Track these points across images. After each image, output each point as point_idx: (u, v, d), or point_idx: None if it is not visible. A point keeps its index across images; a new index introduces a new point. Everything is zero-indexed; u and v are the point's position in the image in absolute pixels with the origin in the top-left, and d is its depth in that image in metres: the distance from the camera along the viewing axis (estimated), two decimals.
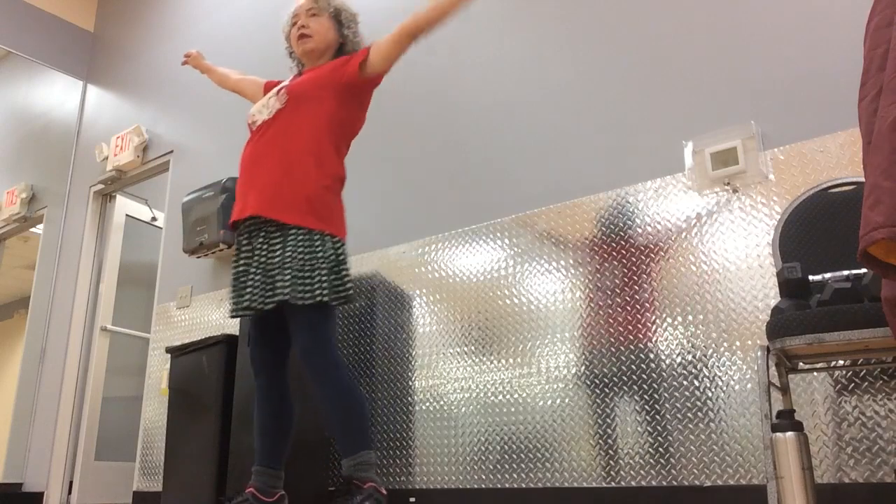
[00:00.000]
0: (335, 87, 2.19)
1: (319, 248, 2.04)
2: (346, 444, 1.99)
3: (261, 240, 2.10)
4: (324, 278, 2.01)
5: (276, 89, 2.25)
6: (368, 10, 3.75)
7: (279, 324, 2.15)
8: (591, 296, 2.60)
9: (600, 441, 2.44)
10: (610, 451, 2.41)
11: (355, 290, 3.36)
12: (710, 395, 2.27)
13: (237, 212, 2.15)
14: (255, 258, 2.09)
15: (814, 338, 1.63)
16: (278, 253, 2.05)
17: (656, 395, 2.37)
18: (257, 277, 2.06)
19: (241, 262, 2.13)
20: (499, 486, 2.63)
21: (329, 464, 3.08)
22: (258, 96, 2.47)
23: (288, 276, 2.00)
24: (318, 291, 1.99)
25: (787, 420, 1.64)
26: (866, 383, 2.03)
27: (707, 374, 2.29)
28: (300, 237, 2.04)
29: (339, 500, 1.95)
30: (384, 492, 1.97)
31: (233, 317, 2.10)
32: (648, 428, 2.36)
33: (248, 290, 2.06)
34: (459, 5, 2.10)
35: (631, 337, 2.47)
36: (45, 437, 4.71)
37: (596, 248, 2.64)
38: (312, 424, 2.95)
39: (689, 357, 2.33)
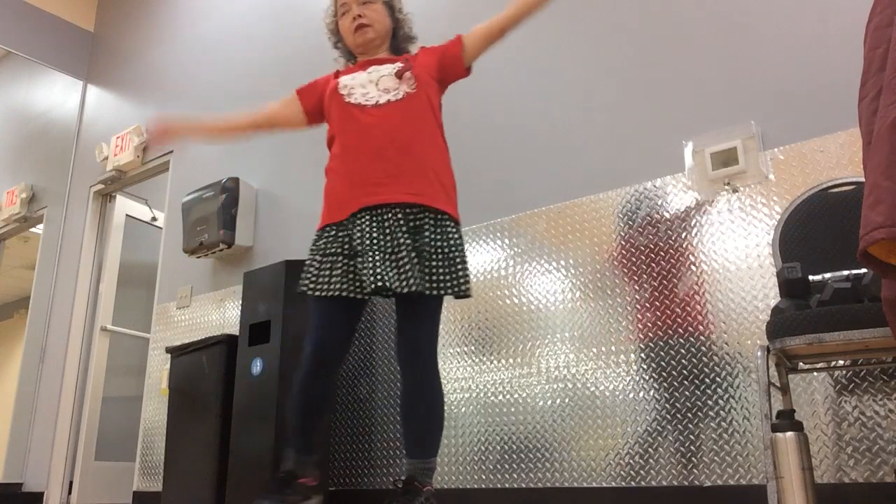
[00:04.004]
0: (442, 80, 2.21)
1: (460, 240, 2.05)
2: (425, 446, 1.98)
3: (391, 222, 1.98)
4: (467, 270, 2.02)
5: (393, 68, 2.14)
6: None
7: (358, 315, 2.07)
8: (591, 295, 2.60)
9: (600, 441, 2.44)
10: (610, 452, 2.41)
11: None
12: (709, 394, 2.27)
13: (383, 194, 1.99)
14: (384, 240, 1.96)
15: (814, 338, 1.63)
16: (427, 238, 1.98)
17: (656, 396, 2.37)
18: (389, 259, 1.94)
19: (367, 239, 1.97)
20: (499, 486, 2.63)
21: (329, 463, 3.08)
22: (296, 111, 2.29)
23: (441, 265, 1.97)
24: (462, 283, 1.98)
25: (787, 420, 1.64)
26: (866, 383, 2.03)
27: (707, 374, 2.29)
28: (451, 227, 2.03)
29: (399, 499, 1.94)
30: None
31: (370, 295, 1.95)
32: (648, 428, 2.36)
33: (396, 269, 1.93)
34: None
35: (631, 337, 2.47)
36: (45, 437, 4.71)
37: (596, 248, 2.64)
38: None
39: (689, 357, 2.33)
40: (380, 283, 1.88)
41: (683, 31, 2.64)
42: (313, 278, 1.99)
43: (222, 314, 3.91)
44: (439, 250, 1.99)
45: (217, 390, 3.21)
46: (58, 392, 4.74)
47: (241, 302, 3.50)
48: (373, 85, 2.12)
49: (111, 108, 5.33)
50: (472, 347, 2.85)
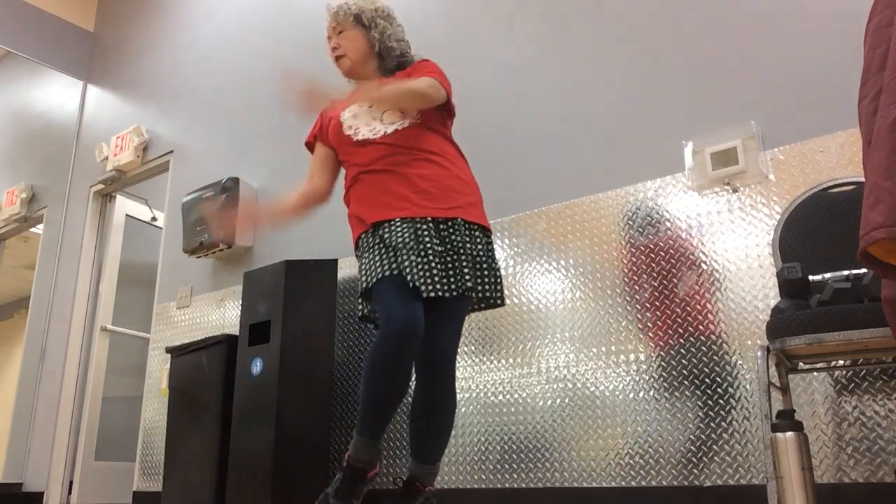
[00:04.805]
0: None
1: (491, 247, 2.11)
2: (433, 450, 1.99)
3: (422, 231, 1.99)
4: (497, 277, 2.08)
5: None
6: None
7: None
8: (591, 295, 2.60)
9: (600, 441, 2.44)
10: (610, 452, 2.41)
11: (357, 291, 3.35)
12: (709, 394, 2.27)
13: (409, 209, 2.00)
14: (434, 245, 1.96)
15: (814, 338, 1.63)
16: (472, 247, 2.02)
17: (656, 396, 2.37)
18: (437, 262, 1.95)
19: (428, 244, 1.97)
20: (499, 486, 2.63)
21: (329, 463, 3.07)
22: (328, 154, 2.27)
23: (481, 271, 2.03)
24: (497, 289, 2.05)
25: (787, 420, 1.64)
26: (866, 383, 2.03)
27: (707, 373, 2.29)
28: (480, 235, 2.07)
29: (400, 499, 1.94)
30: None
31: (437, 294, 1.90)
32: (648, 428, 2.36)
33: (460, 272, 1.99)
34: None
35: (631, 337, 2.47)
36: (45, 437, 4.71)
37: (596, 248, 2.64)
38: (312, 424, 2.95)
39: (689, 357, 2.33)
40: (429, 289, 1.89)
41: (683, 31, 2.64)
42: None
43: (222, 314, 3.91)
44: (472, 257, 2.02)
45: (217, 390, 3.21)
46: (58, 392, 4.74)
47: (241, 302, 3.50)
48: (377, 121, 2.14)
49: (111, 108, 5.33)
50: (472, 347, 2.85)
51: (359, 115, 2.17)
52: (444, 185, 2.06)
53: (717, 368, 2.28)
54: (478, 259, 2.03)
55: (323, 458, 2.98)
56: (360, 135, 2.13)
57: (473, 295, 2.02)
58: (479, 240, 2.05)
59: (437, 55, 3.35)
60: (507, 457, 2.64)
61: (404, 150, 2.07)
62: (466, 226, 2.04)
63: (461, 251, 1.99)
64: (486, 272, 2.03)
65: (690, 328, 2.36)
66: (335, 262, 3.26)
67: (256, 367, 3.04)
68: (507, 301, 2.80)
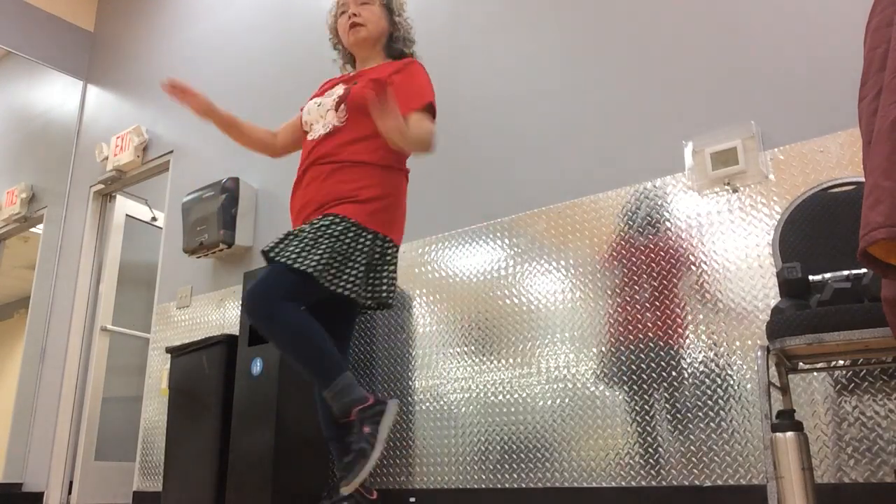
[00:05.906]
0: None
1: (331, 227, 1.96)
2: (321, 375, 1.85)
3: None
4: (316, 251, 1.92)
5: (334, 98, 2.12)
6: None
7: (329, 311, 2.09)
8: (591, 295, 2.60)
9: (600, 441, 2.44)
10: (610, 452, 2.41)
11: None
12: (709, 394, 2.27)
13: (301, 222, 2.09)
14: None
15: (814, 338, 1.63)
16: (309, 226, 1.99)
17: (656, 395, 2.37)
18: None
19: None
20: (499, 486, 2.63)
21: (329, 463, 3.07)
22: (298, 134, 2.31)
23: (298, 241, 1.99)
24: (294, 256, 1.90)
25: (787, 420, 1.64)
26: (866, 383, 2.03)
27: (707, 373, 2.29)
28: (330, 218, 1.98)
29: (347, 440, 1.86)
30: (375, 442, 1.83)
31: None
32: (648, 428, 2.36)
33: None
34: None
35: (631, 337, 2.47)
36: (45, 437, 4.71)
37: (596, 248, 2.64)
38: (312, 424, 2.95)
39: (689, 357, 2.33)
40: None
41: (683, 30, 2.64)
42: None
43: (222, 314, 3.91)
44: (306, 230, 1.95)
45: (217, 390, 3.21)
46: (58, 392, 4.74)
47: (240, 302, 3.50)
48: (322, 120, 2.15)
49: (111, 108, 5.33)
50: (472, 347, 2.85)
51: (310, 107, 2.20)
52: (329, 193, 2.02)
53: (716, 368, 2.28)
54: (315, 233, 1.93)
55: (323, 458, 2.98)
56: (305, 127, 2.20)
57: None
58: (326, 221, 1.94)
59: (437, 54, 3.35)
60: (507, 457, 2.64)
61: (318, 164, 2.08)
62: (322, 217, 1.97)
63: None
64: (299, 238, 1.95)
65: (690, 328, 2.36)
66: None
67: (256, 367, 3.04)
68: (508, 301, 2.80)
